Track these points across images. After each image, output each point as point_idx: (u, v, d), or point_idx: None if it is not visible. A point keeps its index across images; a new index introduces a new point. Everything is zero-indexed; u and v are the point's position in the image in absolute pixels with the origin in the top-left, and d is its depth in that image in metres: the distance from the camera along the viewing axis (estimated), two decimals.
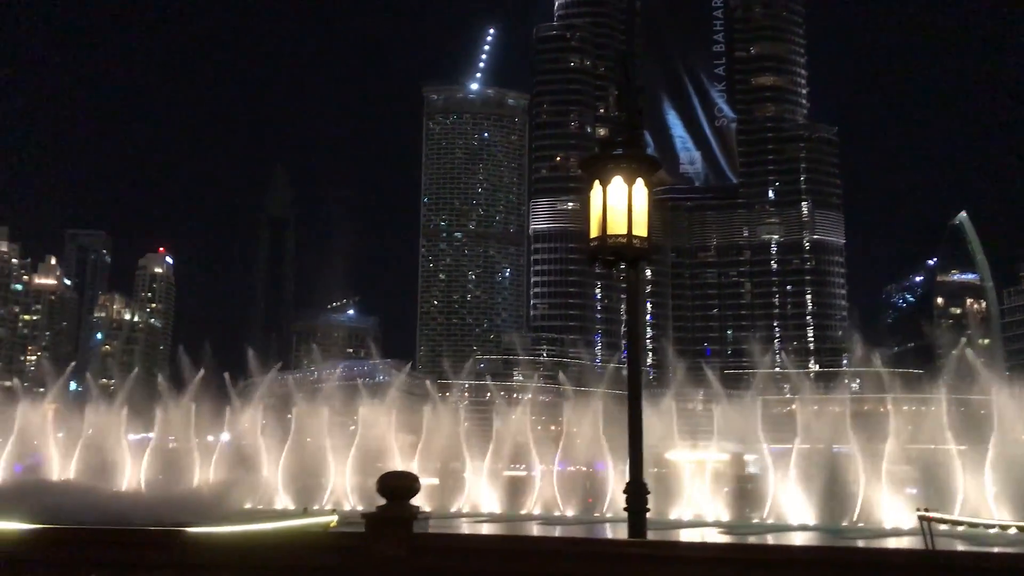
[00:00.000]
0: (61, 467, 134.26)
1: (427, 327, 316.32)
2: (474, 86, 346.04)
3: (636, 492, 9.41)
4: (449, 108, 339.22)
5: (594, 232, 9.05)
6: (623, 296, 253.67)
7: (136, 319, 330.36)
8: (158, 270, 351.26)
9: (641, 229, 9.01)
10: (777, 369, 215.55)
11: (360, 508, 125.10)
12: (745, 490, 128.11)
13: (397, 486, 6.51)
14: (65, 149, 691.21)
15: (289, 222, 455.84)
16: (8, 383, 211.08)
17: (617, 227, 8.94)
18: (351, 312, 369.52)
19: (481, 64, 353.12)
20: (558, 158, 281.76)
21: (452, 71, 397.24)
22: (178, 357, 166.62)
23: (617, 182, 8.97)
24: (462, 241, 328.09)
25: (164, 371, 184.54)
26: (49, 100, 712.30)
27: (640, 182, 9.07)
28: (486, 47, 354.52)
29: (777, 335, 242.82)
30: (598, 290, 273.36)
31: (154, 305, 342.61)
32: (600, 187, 9.04)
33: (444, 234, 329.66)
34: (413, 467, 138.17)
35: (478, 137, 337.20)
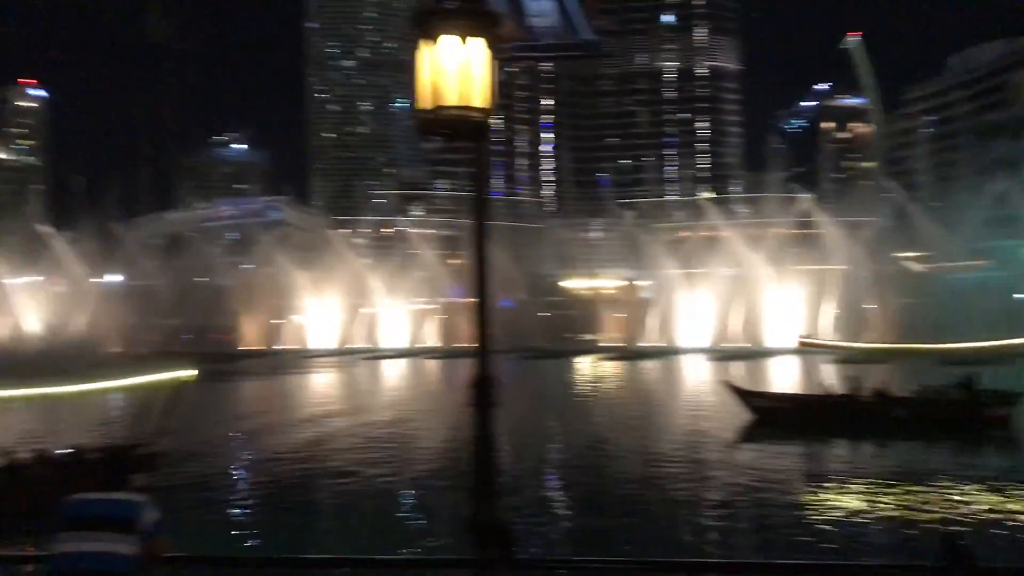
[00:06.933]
0: None
1: (320, 162, 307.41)
2: None
3: (484, 388, 7.86)
4: None
5: (423, 103, 7.47)
6: (516, 126, 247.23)
7: (3, 156, 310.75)
8: (26, 104, 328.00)
9: (482, 98, 7.52)
10: (669, 197, 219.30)
11: (271, 348, 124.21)
12: (638, 315, 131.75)
13: None
14: None
15: (169, 50, 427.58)
16: None
17: (450, 97, 7.42)
18: (237, 146, 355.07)
19: None
20: None
21: None
22: (58, 196, 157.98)
23: (449, 42, 7.38)
24: (354, 70, 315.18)
25: (45, 211, 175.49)
26: None
27: (481, 42, 7.50)
28: None
29: (675, 163, 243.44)
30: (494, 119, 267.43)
31: (30, 142, 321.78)
32: (428, 49, 7.44)
33: (332, 62, 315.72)
34: (316, 305, 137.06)
35: None
